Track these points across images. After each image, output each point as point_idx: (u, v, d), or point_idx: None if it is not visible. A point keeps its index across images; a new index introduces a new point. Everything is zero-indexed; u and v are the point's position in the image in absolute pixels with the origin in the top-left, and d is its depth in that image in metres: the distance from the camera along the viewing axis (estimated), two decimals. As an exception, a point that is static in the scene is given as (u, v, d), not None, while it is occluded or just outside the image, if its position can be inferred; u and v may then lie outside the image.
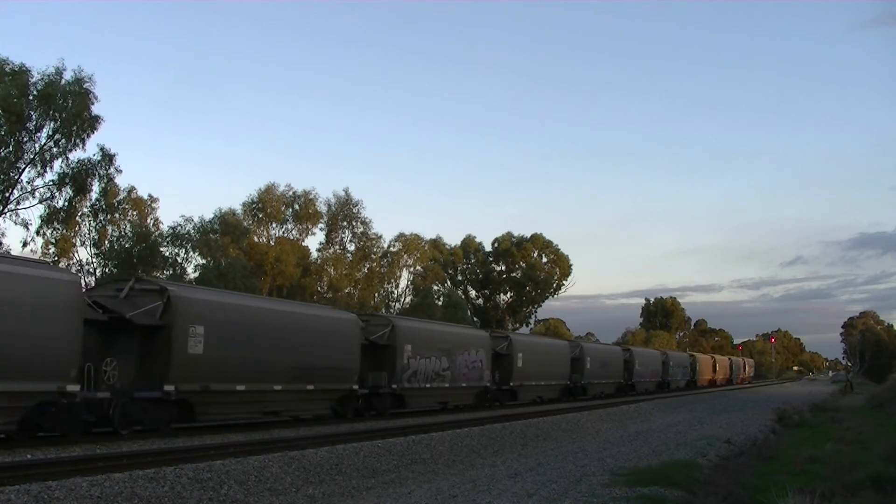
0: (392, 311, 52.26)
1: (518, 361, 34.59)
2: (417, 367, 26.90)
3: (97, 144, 34.98)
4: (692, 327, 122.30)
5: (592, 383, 42.89)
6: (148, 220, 39.47)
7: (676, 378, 59.49)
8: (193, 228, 40.73)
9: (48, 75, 32.29)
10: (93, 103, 33.24)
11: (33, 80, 32.18)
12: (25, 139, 32.42)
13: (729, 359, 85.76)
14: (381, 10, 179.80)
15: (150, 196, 40.00)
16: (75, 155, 34.00)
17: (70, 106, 32.42)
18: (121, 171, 35.82)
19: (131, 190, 38.87)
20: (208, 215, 43.09)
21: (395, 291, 55.34)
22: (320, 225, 48.98)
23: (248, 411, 20.67)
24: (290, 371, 20.89)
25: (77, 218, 36.03)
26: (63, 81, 32.45)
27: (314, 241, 51.29)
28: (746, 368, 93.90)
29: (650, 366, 53.73)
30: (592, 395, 42.54)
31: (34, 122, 32.51)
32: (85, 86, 32.88)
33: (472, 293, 71.94)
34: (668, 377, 56.86)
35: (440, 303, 55.73)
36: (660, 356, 56.93)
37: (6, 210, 32.90)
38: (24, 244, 34.28)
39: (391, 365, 25.75)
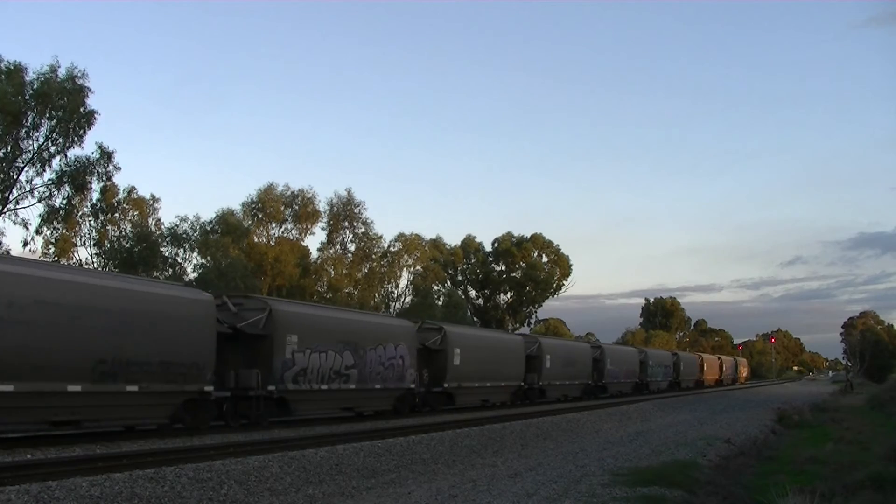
0: (392, 311, 52.24)
1: (454, 359, 29.29)
2: (307, 363, 21.51)
3: (95, 142, 35.06)
4: (692, 327, 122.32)
5: (553, 384, 38.36)
6: (149, 221, 39.51)
7: (657, 379, 54.98)
8: (192, 228, 40.79)
9: (42, 73, 32.30)
10: (87, 98, 33.27)
11: (29, 78, 32.19)
12: (23, 138, 32.41)
13: (719, 358, 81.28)
14: (382, 9, 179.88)
15: (151, 196, 40.08)
16: (73, 153, 34.06)
17: (66, 103, 32.41)
18: (119, 169, 35.90)
19: (131, 190, 38.93)
20: (209, 215, 43.25)
21: (395, 291, 55.40)
22: (321, 225, 49.05)
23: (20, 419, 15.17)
24: (91, 366, 15.60)
25: (77, 217, 36.04)
26: (57, 78, 32.45)
27: (314, 240, 51.35)
28: (739, 368, 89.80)
29: (625, 365, 48.63)
30: (554, 399, 38.26)
31: (31, 121, 32.50)
32: (78, 81, 32.90)
33: (473, 293, 71.96)
34: (647, 378, 52.15)
35: (440, 303, 55.72)
36: (636, 354, 52.35)
37: (5, 210, 32.91)
38: (25, 244, 34.31)
39: (267, 361, 20.35)
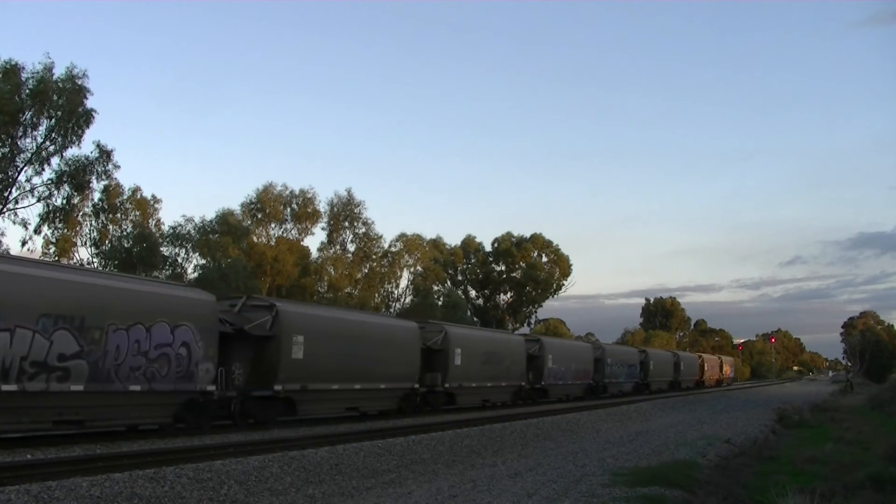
0: (392, 311, 52.23)
1: (294, 350, 20.90)
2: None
3: (93, 141, 35.04)
4: (692, 327, 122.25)
5: (466, 387, 30.29)
6: (150, 221, 39.49)
7: (618, 380, 47.55)
8: (194, 228, 40.80)
9: (38, 72, 32.24)
10: (86, 98, 33.22)
11: (26, 77, 32.13)
12: (21, 137, 32.37)
13: (700, 356, 73.50)
14: (382, 10, 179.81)
15: (153, 196, 40.06)
16: (72, 152, 34.02)
17: (64, 102, 32.38)
18: (119, 167, 35.82)
19: (136, 190, 38.92)
20: (209, 215, 43.26)
21: (396, 291, 55.37)
22: (321, 224, 49.03)
23: None
24: None
25: (78, 217, 36.02)
26: (53, 77, 32.40)
27: (314, 240, 51.33)
28: (724, 368, 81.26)
29: (574, 363, 40.95)
30: (465, 406, 30.65)
31: (29, 120, 32.46)
32: (78, 82, 32.87)
33: (473, 293, 71.93)
34: (605, 378, 44.85)
35: (440, 303, 55.71)
36: (591, 351, 44.45)
37: (5, 209, 32.87)
38: (23, 243, 34.28)
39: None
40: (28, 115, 32.27)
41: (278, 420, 20.61)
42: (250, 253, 42.94)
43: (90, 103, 33.44)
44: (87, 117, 33.32)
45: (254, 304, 21.32)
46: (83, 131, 33.48)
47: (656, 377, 54.56)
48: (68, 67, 32.83)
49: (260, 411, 20.33)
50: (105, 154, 34.91)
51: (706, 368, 71.34)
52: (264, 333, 20.02)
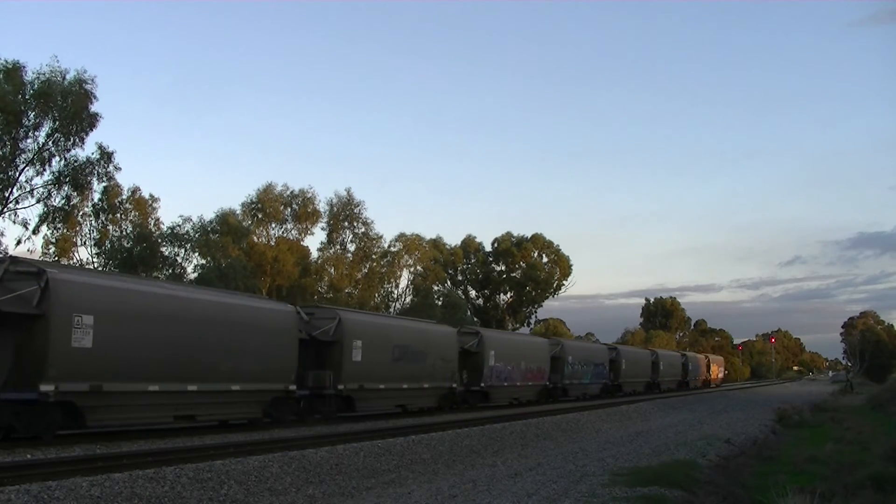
0: (392, 311, 52.24)
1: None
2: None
3: (95, 143, 35.00)
4: (692, 327, 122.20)
5: (372, 389, 24.16)
6: (149, 220, 39.47)
7: (581, 381, 41.90)
8: (193, 228, 40.79)
9: (44, 73, 32.22)
10: (92, 103, 33.22)
11: (29, 78, 32.12)
12: (22, 137, 32.35)
13: (683, 354, 67.63)
14: (382, 10, 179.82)
15: (151, 196, 40.03)
16: (73, 153, 33.99)
17: (69, 105, 32.37)
18: (119, 169, 35.80)
19: (135, 190, 38.90)
20: (209, 215, 43.15)
21: (396, 291, 55.36)
22: (321, 224, 49.01)
23: None
24: None
25: (78, 217, 36.00)
26: (65, 82, 32.41)
27: (314, 240, 51.30)
28: (711, 369, 74.41)
29: (525, 361, 35.15)
30: (370, 412, 24.74)
31: (31, 121, 32.45)
32: (86, 87, 32.86)
33: (473, 293, 71.88)
34: (564, 379, 39.52)
35: (440, 303, 55.70)
36: (546, 348, 38.45)
37: (5, 209, 32.85)
38: (18, 242, 34.22)
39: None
40: (31, 115, 32.25)
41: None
42: (250, 253, 42.92)
43: (95, 108, 33.49)
44: (91, 121, 33.32)
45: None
46: (86, 134, 33.50)
47: (630, 378, 49.28)
48: (77, 71, 32.87)
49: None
50: (106, 156, 34.91)
51: (690, 368, 65.40)
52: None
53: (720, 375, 78.65)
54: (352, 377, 23.14)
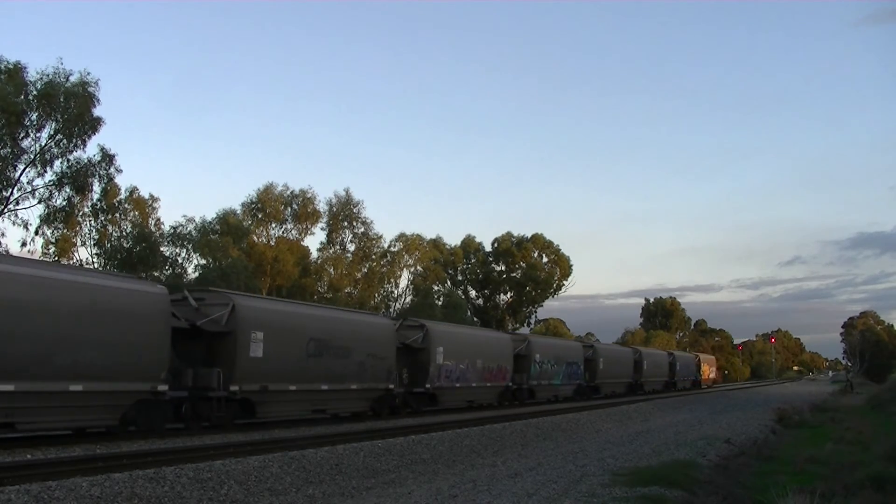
0: (392, 311, 52.24)
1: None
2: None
3: (97, 144, 34.99)
4: (692, 327, 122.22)
5: (279, 391, 20.49)
6: (149, 221, 39.47)
7: (551, 382, 38.31)
8: (195, 229, 40.81)
9: (47, 74, 32.23)
10: (95, 106, 33.22)
11: (32, 79, 32.13)
12: (23, 137, 32.34)
13: (670, 354, 62.64)
14: (381, 10, 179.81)
15: (150, 196, 40.03)
16: (75, 155, 34.00)
17: (71, 107, 32.38)
18: (121, 171, 35.82)
19: (133, 190, 38.88)
20: (209, 215, 43.24)
21: (396, 291, 55.38)
22: (320, 225, 49.03)
23: None
24: None
25: (78, 218, 36.00)
26: (69, 84, 32.42)
27: (314, 240, 51.28)
28: (702, 368, 69.91)
29: (480, 360, 30.85)
30: (274, 419, 21.13)
31: (33, 122, 32.45)
32: (90, 89, 32.86)
33: (473, 293, 71.90)
34: (531, 380, 36.04)
35: (440, 303, 55.71)
36: (509, 344, 34.69)
37: (6, 210, 32.85)
38: (24, 244, 34.25)
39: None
40: (33, 116, 32.25)
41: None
42: (250, 253, 42.94)
43: (98, 111, 33.50)
44: (93, 124, 33.31)
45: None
46: (89, 137, 33.52)
47: (609, 378, 45.80)
48: (81, 73, 32.89)
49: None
50: (108, 158, 34.93)
51: (679, 368, 61.25)
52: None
53: (711, 376, 75.01)
54: (250, 376, 19.40)
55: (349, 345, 23.09)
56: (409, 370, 27.21)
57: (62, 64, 32.64)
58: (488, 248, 72.26)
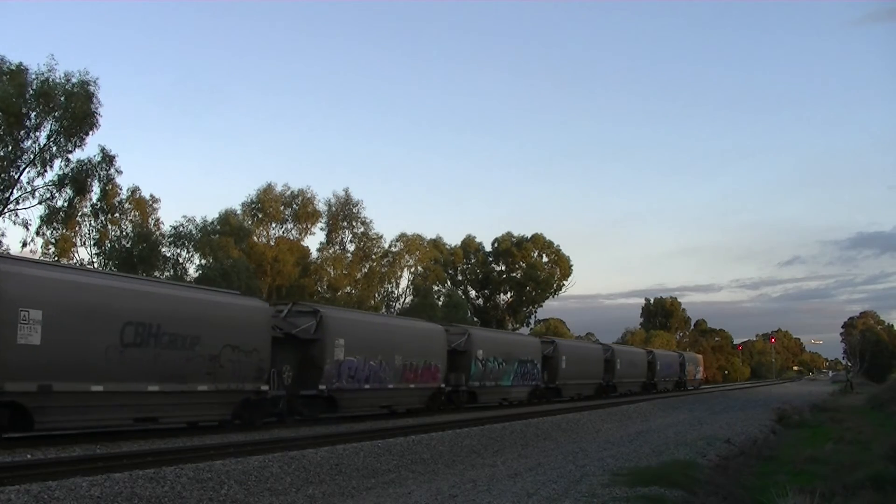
0: (392, 311, 52.21)
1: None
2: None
3: (98, 145, 35.07)
4: (692, 327, 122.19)
5: (69, 392, 15.02)
6: (149, 221, 39.48)
7: (498, 383, 32.91)
8: (196, 229, 40.82)
9: (42, 73, 32.23)
10: (94, 107, 33.21)
11: (31, 79, 32.12)
12: (23, 138, 32.35)
13: (650, 352, 57.32)
14: (381, 10, 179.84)
15: (151, 196, 40.05)
16: (75, 155, 34.02)
17: (71, 106, 32.38)
18: (121, 172, 35.87)
19: (134, 190, 38.91)
20: (210, 216, 43.23)
21: (396, 291, 55.38)
22: (320, 224, 49.03)
23: None
24: None
25: (78, 218, 36.01)
26: (69, 84, 32.41)
27: (314, 240, 51.28)
28: (687, 369, 64.18)
29: (399, 356, 25.86)
30: (66, 429, 15.90)
31: (33, 122, 32.45)
32: (90, 88, 32.86)
33: (473, 293, 71.90)
34: (470, 381, 30.74)
35: (440, 303, 55.71)
36: (442, 338, 28.99)
37: (6, 210, 32.87)
38: (24, 244, 34.27)
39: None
40: (32, 116, 32.25)
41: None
42: (250, 253, 42.94)
43: (98, 111, 33.48)
44: (92, 123, 33.29)
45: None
46: (87, 136, 33.50)
47: (572, 379, 40.23)
48: (81, 73, 32.90)
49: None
50: (108, 158, 34.94)
51: (659, 368, 55.77)
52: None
53: (698, 376, 69.49)
54: (21, 372, 14.03)
55: (195, 333, 17.81)
56: (297, 368, 22.11)
57: (55, 61, 32.66)
58: (488, 248, 72.33)
